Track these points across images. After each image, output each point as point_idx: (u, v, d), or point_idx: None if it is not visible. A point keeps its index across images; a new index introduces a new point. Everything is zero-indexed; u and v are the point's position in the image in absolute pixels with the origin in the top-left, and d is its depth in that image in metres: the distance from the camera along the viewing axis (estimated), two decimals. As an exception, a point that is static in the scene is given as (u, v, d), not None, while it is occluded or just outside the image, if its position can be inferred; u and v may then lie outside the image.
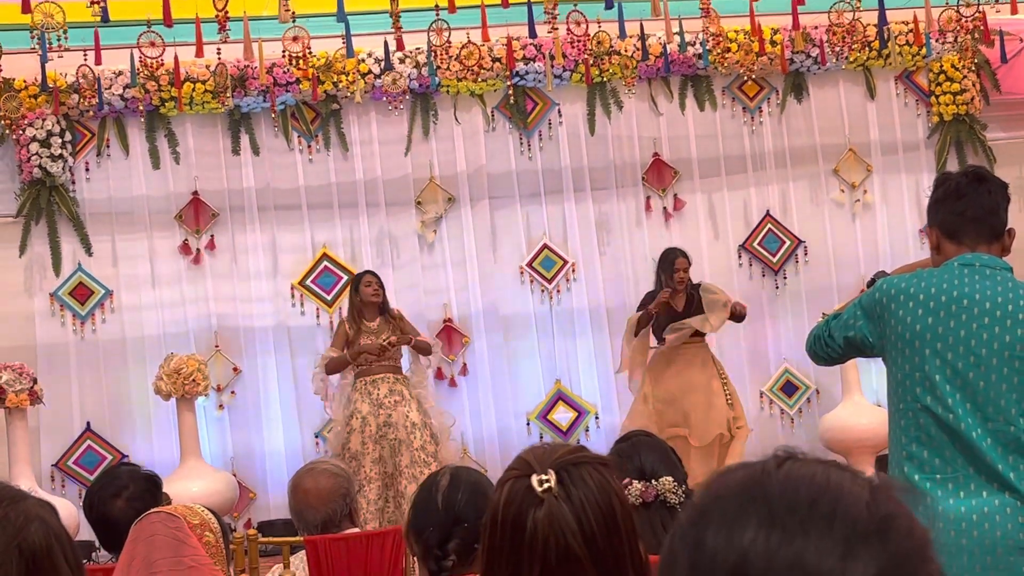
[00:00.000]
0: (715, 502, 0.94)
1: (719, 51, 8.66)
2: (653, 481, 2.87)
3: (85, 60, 7.57)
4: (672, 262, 7.83)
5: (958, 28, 8.19)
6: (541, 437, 8.67)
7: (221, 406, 8.51)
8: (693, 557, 0.92)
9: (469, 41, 8.42)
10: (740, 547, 0.89)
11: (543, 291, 8.89)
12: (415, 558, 2.81)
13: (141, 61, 7.36)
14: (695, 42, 8.69)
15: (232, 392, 8.56)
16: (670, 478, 2.88)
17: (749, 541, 0.89)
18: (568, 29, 7.93)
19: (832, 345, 3.11)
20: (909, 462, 2.84)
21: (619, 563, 1.73)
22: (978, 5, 7.88)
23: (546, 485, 1.73)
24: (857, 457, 8.25)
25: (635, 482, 2.87)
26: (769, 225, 9.16)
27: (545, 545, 1.71)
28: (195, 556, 2.67)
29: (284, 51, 7.34)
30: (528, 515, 1.73)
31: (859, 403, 8.30)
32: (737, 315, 7.85)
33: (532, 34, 7.90)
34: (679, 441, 7.51)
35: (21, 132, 8.25)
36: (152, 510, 2.77)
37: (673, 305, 7.80)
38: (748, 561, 0.88)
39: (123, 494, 3.49)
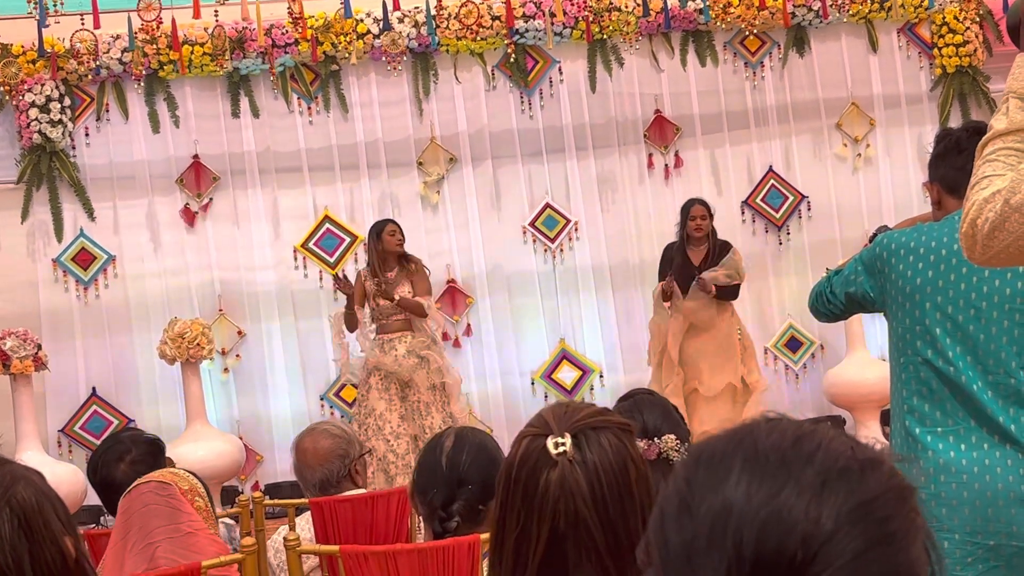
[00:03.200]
0: (708, 444, 0.98)
1: (720, 6, 8.60)
2: (656, 439, 2.87)
3: (83, 24, 7.54)
4: (687, 210, 7.81)
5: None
6: (546, 397, 8.70)
7: (226, 370, 8.53)
8: (684, 495, 0.95)
9: (468, -1, 8.38)
10: (724, 492, 0.92)
11: (546, 250, 8.88)
12: (420, 518, 2.83)
13: (152, 24, 7.33)
14: (696, -3, 8.64)
15: (237, 355, 8.58)
16: (672, 436, 2.88)
17: (732, 484, 0.92)
18: (567, -14, 7.89)
19: (834, 301, 3.11)
20: (910, 415, 2.84)
21: (629, 529, 1.73)
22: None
23: (561, 448, 1.72)
24: (862, 412, 8.26)
25: (638, 440, 2.87)
26: (772, 181, 9.13)
27: (555, 507, 1.70)
28: (191, 522, 2.68)
29: (288, 8, 7.31)
30: (542, 475, 1.72)
31: (864, 358, 8.29)
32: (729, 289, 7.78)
33: (531, -9, 7.86)
34: (694, 395, 7.57)
35: (20, 98, 8.22)
36: (140, 479, 2.77)
37: (691, 259, 7.76)
38: (730, 506, 0.91)
39: (126, 458, 3.51)
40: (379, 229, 7.56)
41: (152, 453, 3.59)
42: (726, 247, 7.81)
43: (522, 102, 8.91)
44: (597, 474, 1.72)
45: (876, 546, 0.90)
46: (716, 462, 0.95)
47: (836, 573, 0.88)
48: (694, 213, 7.77)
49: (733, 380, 7.67)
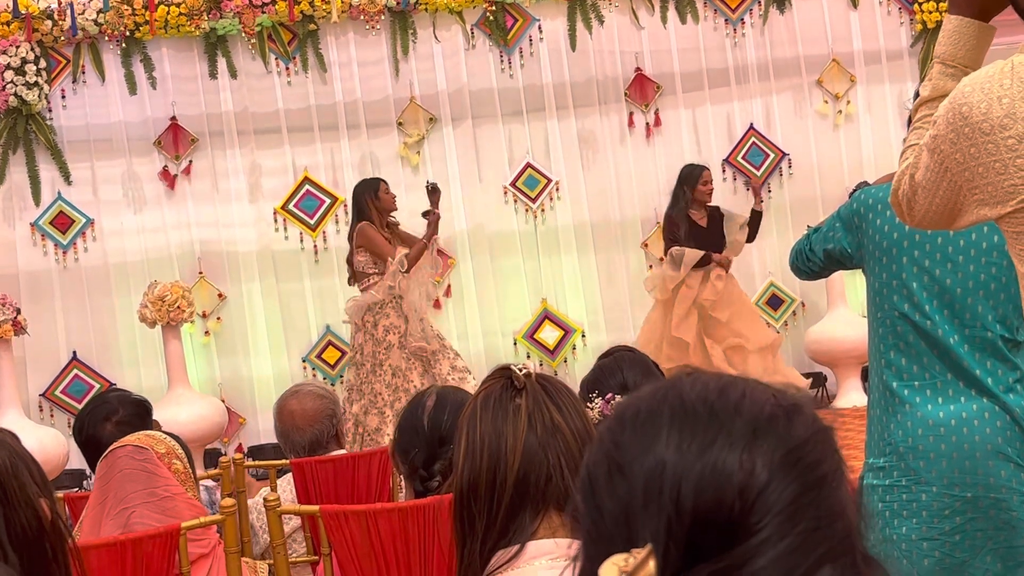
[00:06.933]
0: (630, 405, 0.98)
1: (700, -38, 8.54)
2: (636, 396, 2.87)
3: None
4: (699, 176, 8.05)
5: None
6: (528, 357, 8.70)
7: (207, 332, 8.50)
8: (613, 458, 0.95)
9: (446, -43, 8.31)
10: (655, 450, 0.92)
11: (527, 210, 8.86)
12: (402, 478, 2.83)
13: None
14: (675, -47, 8.59)
15: (218, 318, 8.55)
16: (652, 393, 2.88)
17: (663, 441, 0.92)
18: (546, -57, 7.82)
19: (813, 259, 3.11)
20: (888, 370, 2.85)
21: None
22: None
23: (525, 371, 1.78)
24: (843, 368, 8.30)
25: (617, 397, 2.87)
26: (753, 138, 9.11)
27: (529, 421, 1.73)
28: (167, 486, 2.67)
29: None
30: (509, 404, 1.76)
31: (845, 315, 8.33)
32: (753, 225, 8.13)
33: (510, -52, 7.79)
34: (739, 351, 7.71)
35: (-6, 60, 8.14)
36: (117, 443, 2.76)
37: (698, 222, 7.94)
38: (664, 463, 0.92)
39: (112, 418, 3.50)
40: (375, 187, 7.29)
41: (139, 415, 3.58)
42: (717, 209, 8.11)
43: (502, 61, 8.86)
44: (562, 396, 1.79)
45: (810, 490, 0.92)
46: (643, 421, 0.95)
47: (774, 520, 0.89)
48: (707, 177, 8.04)
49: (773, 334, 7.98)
